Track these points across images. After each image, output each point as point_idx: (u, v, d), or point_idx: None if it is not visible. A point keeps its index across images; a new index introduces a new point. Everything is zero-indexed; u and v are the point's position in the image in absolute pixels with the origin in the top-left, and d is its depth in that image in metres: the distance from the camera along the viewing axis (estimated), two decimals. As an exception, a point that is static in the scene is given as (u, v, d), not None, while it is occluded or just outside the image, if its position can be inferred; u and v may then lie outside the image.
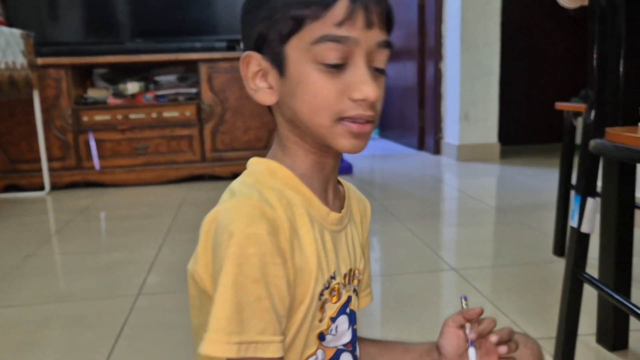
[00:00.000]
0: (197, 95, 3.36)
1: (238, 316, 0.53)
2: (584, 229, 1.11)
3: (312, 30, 0.56)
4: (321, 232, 0.63)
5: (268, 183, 0.60)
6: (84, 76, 3.43)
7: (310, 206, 0.63)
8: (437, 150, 4.30)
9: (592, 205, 1.09)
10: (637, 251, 1.53)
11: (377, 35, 0.57)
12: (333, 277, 0.66)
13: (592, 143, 1.06)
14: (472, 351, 0.71)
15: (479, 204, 2.75)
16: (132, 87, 3.31)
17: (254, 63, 0.61)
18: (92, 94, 3.33)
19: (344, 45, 0.56)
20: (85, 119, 3.23)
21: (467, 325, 0.72)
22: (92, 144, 3.24)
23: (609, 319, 1.24)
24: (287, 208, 0.59)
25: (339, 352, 0.72)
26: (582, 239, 1.13)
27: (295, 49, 0.57)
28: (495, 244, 2.20)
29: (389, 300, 1.60)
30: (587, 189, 1.11)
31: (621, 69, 1.16)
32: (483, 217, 2.52)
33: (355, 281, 0.72)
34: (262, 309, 0.54)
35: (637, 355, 1.24)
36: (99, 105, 3.27)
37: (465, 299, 0.77)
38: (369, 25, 0.56)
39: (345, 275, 0.68)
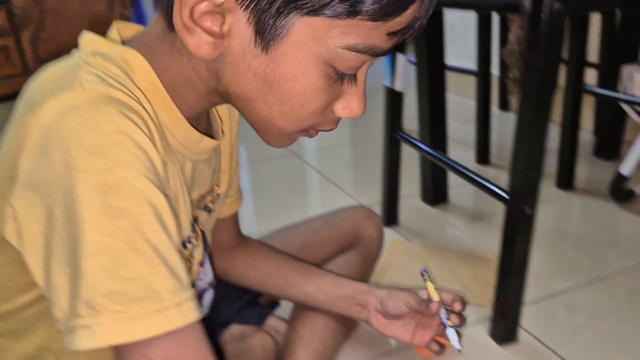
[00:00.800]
0: (6, -2, 2.88)
1: (145, 275, 0.37)
2: (397, 87, 1.11)
3: (357, 29, 0.39)
4: (182, 164, 0.49)
5: (122, 81, 0.41)
6: None
7: (175, 128, 0.47)
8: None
9: (402, 62, 1.09)
10: (453, 114, 1.61)
11: None
12: (195, 220, 0.56)
13: (397, -4, 1.03)
14: (452, 332, 0.69)
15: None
16: None
17: None
18: None
19: (375, 58, 0.43)
20: None
21: (442, 309, 0.70)
22: None
23: (429, 176, 1.30)
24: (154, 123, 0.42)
25: (202, 293, 0.64)
26: (396, 98, 1.14)
27: (309, 30, 0.39)
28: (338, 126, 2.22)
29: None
30: (395, 46, 1.10)
31: None
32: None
33: (210, 198, 0.60)
34: (171, 255, 0.39)
35: (455, 206, 1.33)
36: None
37: (426, 272, 0.73)
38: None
39: (195, 199, 0.57)
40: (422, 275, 0.72)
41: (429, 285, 0.71)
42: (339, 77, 0.43)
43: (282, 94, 0.42)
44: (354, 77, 0.45)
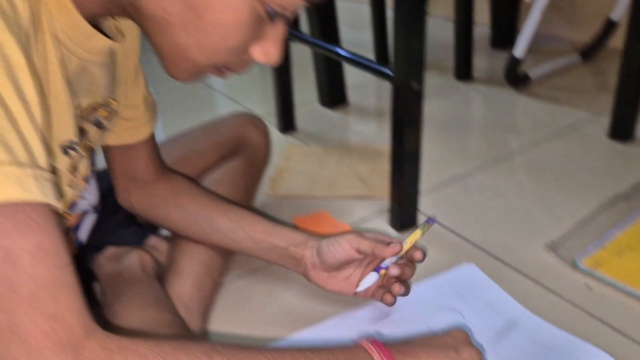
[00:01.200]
0: None
1: None
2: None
3: None
4: (66, 56, 0.43)
5: None
6: None
7: (61, 13, 0.41)
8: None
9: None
10: (348, 22, 1.52)
11: None
12: (83, 134, 0.49)
13: None
14: (374, 276, 0.60)
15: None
16: None
17: None
18: None
19: (304, 3, 0.41)
20: None
21: (390, 259, 0.60)
22: None
23: (324, 77, 1.22)
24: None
25: (83, 215, 0.57)
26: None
27: None
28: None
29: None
30: None
31: None
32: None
33: (103, 112, 0.52)
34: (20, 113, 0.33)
35: (355, 107, 1.27)
36: None
37: (434, 222, 0.63)
38: None
39: (85, 109, 0.50)
40: (427, 223, 0.61)
41: (418, 232, 0.60)
42: (268, 17, 0.41)
43: (205, 24, 0.39)
44: (279, 20, 0.42)
